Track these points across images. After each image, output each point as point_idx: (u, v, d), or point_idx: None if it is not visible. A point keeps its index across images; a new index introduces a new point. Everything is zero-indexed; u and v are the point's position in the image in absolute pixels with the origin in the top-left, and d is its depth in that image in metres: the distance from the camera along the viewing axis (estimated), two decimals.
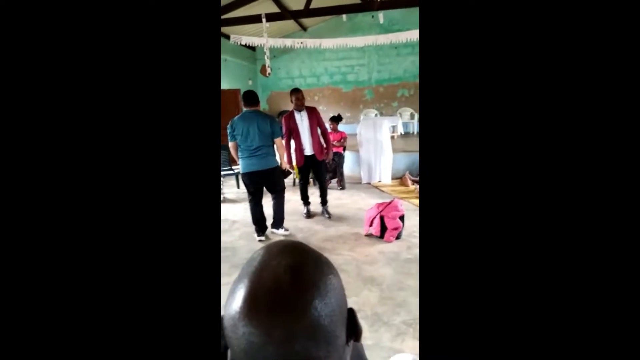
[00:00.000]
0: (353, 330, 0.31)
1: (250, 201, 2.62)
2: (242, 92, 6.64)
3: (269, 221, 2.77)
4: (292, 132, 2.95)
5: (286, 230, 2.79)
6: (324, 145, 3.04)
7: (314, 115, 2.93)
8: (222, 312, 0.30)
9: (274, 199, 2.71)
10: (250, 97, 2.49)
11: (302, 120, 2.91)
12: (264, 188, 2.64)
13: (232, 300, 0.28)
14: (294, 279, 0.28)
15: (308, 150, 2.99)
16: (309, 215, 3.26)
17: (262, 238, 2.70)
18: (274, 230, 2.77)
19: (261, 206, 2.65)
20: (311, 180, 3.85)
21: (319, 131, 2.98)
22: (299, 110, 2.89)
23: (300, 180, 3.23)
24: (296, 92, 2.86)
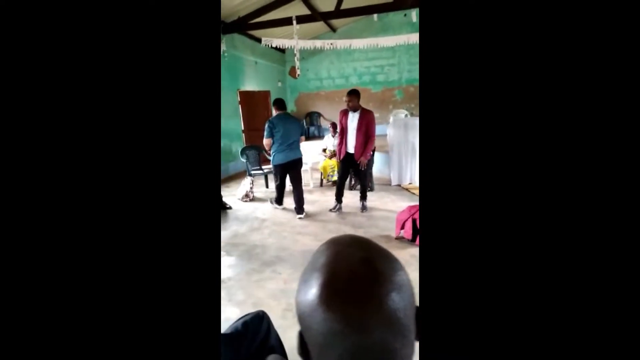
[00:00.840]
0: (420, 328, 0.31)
1: (278, 180, 3.34)
2: (271, 93, 6.80)
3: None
4: (343, 129, 3.16)
5: (305, 214, 3.35)
6: (368, 149, 3.14)
7: (364, 119, 3.05)
8: (297, 299, 0.31)
9: (295, 189, 3.26)
10: (282, 103, 3.17)
11: (353, 120, 3.10)
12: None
13: (308, 288, 0.30)
14: (369, 271, 0.29)
15: (350, 148, 3.16)
16: (333, 209, 3.40)
17: (280, 207, 3.50)
18: (300, 216, 3.30)
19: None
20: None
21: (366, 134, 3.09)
22: (353, 111, 3.08)
23: (339, 177, 3.39)
24: (348, 93, 3.05)
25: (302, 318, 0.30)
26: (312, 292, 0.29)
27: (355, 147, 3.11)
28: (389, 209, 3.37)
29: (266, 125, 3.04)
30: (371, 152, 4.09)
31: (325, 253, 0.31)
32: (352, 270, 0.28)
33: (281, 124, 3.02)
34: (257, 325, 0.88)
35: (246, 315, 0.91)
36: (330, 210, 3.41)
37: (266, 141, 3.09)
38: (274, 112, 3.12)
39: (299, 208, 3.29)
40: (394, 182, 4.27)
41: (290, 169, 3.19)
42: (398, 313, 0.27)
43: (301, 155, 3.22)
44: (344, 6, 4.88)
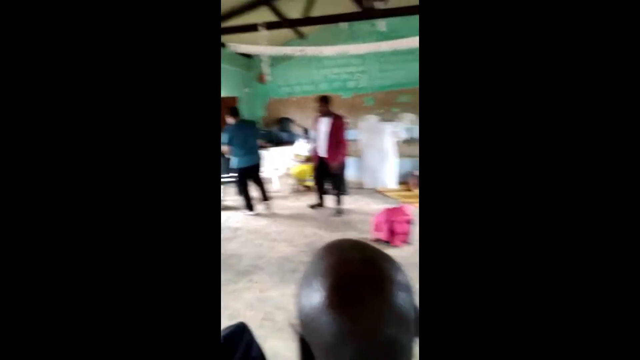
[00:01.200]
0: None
1: (242, 185, 3.45)
2: (239, 99, 6.67)
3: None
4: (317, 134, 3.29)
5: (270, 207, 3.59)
6: (339, 153, 3.24)
7: (334, 124, 3.14)
8: (299, 304, 0.31)
9: (258, 185, 3.46)
10: (237, 111, 3.40)
11: (324, 125, 3.19)
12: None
13: (313, 292, 0.29)
14: (375, 272, 0.29)
15: (322, 153, 3.25)
16: (313, 206, 3.57)
17: (252, 213, 3.52)
18: (267, 202, 3.53)
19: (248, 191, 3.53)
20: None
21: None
22: (324, 116, 3.18)
23: (315, 179, 3.57)
24: (318, 100, 3.21)
25: (306, 322, 0.30)
26: (319, 295, 0.29)
27: (327, 151, 3.17)
28: (364, 211, 3.40)
29: (225, 134, 3.23)
30: (343, 157, 4.16)
31: (326, 257, 0.31)
32: (359, 272, 0.29)
33: (238, 130, 3.23)
34: (239, 337, 0.83)
35: (227, 328, 0.85)
36: (312, 206, 3.56)
37: (225, 148, 3.29)
38: (230, 121, 3.27)
39: (265, 198, 3.49)
40: (368, 185, 4.33)
41: (251, 172, 3.38)
42: (405, 311, 0.29)
43: (260, 160, 3.43)
44: (312, 13, 4.94)
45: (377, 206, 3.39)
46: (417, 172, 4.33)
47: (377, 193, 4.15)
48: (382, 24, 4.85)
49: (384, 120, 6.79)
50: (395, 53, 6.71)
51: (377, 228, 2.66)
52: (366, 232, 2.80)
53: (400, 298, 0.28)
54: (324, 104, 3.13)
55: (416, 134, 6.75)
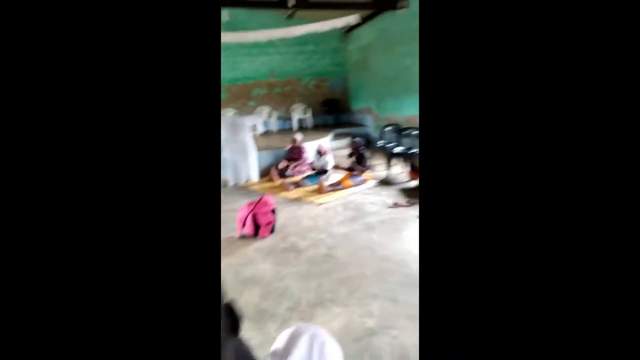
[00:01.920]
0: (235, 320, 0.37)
1: None
2: None
3: None
4: None
5: None
6: None
7: None
8: None
9: None
10: None
11: None
12: None
13: None
14: None
15: None
16: None
17: None
18: None
19: None
20: None
21: None
22: None
23: None
24: None
25: None
26: None
27: None
28: (232, 208, 3.31)
29: None
30: None
31: None
32: None
33: None
34: None
35: None
36: None
37: None
38: None
39: None
40: (232, 182, 4.23)
41: None
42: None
43: None
44: None
45: (242, 201, 3.36)
46: (276, 164, 4.53)
47: (242, 188, 4.12)
48: (224, 14, 4.69)
49: (241, 114, 6.72)
50: (243, 46, 6.66)
51: (242, 224, 2.65)
52: (233, 231, 2.74)
53: None
54: None
55: (273, 127, 7.00)
